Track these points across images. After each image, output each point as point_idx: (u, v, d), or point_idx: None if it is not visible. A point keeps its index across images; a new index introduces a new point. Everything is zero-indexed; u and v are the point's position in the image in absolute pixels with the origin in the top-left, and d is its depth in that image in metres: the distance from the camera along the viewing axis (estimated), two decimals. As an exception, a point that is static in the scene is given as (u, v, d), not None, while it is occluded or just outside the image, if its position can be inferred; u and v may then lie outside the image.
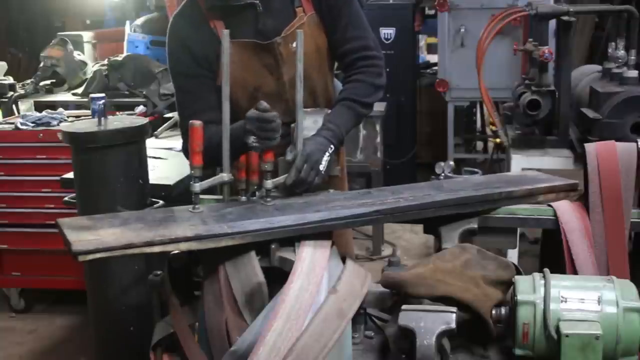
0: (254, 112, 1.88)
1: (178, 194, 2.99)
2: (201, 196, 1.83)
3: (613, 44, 3.72)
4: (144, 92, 4.69)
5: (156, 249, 1.56)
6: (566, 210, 1.95)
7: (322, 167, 1.97)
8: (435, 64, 6.32)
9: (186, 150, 2.09)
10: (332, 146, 2.03)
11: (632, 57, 3.53)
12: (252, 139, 1.86)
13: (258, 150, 1.87)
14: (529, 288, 1.53)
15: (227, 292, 1.62)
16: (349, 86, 2.24)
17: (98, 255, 1.51)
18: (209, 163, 1.93)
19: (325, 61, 2.30)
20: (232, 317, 1.60)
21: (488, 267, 1.65)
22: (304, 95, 2.15)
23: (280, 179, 1.89)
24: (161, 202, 2.56)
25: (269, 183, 1.83)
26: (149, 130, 2.75)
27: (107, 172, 2.51)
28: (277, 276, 1.61)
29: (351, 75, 2.25)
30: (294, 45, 2.13)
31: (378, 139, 4.75)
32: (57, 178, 3.21)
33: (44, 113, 4.22)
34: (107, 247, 1.52)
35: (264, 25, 2.16)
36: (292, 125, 1.99)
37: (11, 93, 4.92)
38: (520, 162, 3.62)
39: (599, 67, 3.99)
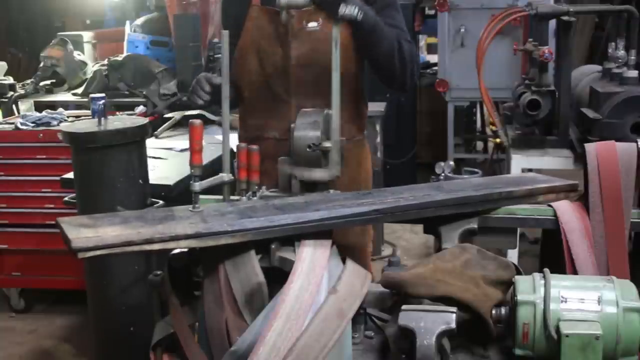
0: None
1: (178, 194, 3.00)
2: (201, 196, 1.83)
3: (613, 44, 3.71)
4: (144, 92, 4.69)
5: (156, 246, 1.56)
6: (566, 210, 1.95)
7: (355, 12, 2.01)
8: (435, 64, 6.32)
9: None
10: (362, 13, 2.05)
11: (632, 57, 3.53)
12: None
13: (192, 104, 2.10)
14: (529, 288, 1.53)
15: (227, 292, 1.62)
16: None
17: (98, 253, 1.51)
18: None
19: (344, 55, 2.29)
20: (232, 317, 1.60)
21: (488, 267, 1.65)
22: (314, 81, 2.25)
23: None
24: (161, 202, 2.56)
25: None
26: (149, 130, 2.76)
27: (107, 172, 2.51)
28: (277, 276, 1.61)
29: None
30: (309, 25, 2.21)
31: (378, 139, 4.75)
32: (57, 178, 3.21)
33: (44, 113, 4.22)
34: (107, 244, 1.52)
35: None
36: (292, 125, 2.00)
37: (11, 93, 4.92)
38: (520, 162, 3.62)
39: (599, 67, 3.99)
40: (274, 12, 2.26)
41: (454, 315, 1.50)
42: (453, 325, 1.49)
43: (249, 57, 2.32)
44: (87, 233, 1.56)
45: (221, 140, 1.93)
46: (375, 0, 2.25)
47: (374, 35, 2.17)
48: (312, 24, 2.23)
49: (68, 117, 4.24)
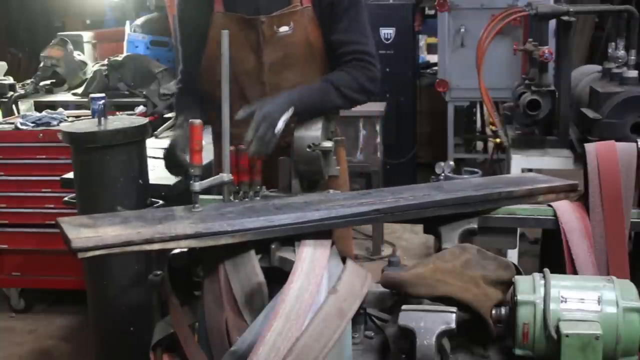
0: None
1: (178, 194, 3.00)
2: (201, 196, 1.83)
3: (613, 44, 3.71)
4: (144, 92, 4.69)
5: (156, 246, 1.56)
6: (566, 210, 1.95)
7: (278, 129, 1.96)
8: (435, 64, 6.32)
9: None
10: (292, 107, 2.01)
11: (632, 57, 3.53)
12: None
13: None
14: (529, 288, 1.53)
15: (227, 292, 1.62)
16: (335, 72, 2.21)
17: (97, 253, 1.51)
18: None
19: (317, 58, 2.27)
20: (232, 317, 1.60)
21: (488, 267, 1.65)
22: (289, 86, 2.17)
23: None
24: (161, 202, 2.56)
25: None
26: (149, 130, 2.75)
27: (107, 172, 2.51)
28: (277, 276, 1.61)
29: (343, 67, 2.21)
30: (280, 30, 2.15)
31: (378, 139, 4.75)
32: (57, 178, 3.21)
33: (44, 113, 4.22)
34: (107, 244, 1.52)
35: (261, 4, 2.17)
36: (292, 125, 1.99)
37: (11, 93, 4.92)
38: (520, 162, 3.62)
39: (599, 67, 3.98)
40: (241, 18, 2.18)
41: (454, 315, 1.50)
42: (453, 325, 1.49)
43: (218, 67, 2.13)
44: (87, 233, 1.56)
45: (221, 140, 1.92)
46: (339, 3, 2.19)
47: (315, 111, 2.11)
48: (284, 28, 2.17)
49: (68, 117, 4.24)
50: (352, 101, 2.20)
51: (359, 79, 2.19)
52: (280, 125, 1.96)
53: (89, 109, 4.04)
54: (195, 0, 2.27)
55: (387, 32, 5.92)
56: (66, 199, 2.83)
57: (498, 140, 5.37)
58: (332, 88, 2.14)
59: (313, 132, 2.02)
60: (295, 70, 2.23)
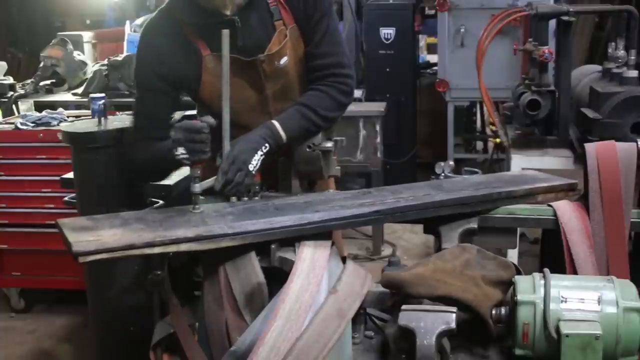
0: (183, 122, 1.89)
1: (178, 194, 2.99)
2: (201, 197, 1.84)
3: (613, 44, 3.72)
4: (143, 92, 4.68)
5: (157, 250, 1.57)
6: (566, 210, 1.95)
7: (252, 167, 1.91)
8: (435, 64, 6.33)
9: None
10: (266, 145, 1.96)
11: (632, 57, 3.53)
12: (180, 151, 1.84)
13: (187, 163, 1.84)
14: (529, 288, 1.53)
15: (227, 292, 1.62)
16: (310, 94, 2.15)
17: (98, 257, 1.51)
18: (151, 177, 2.34)
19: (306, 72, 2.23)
20: (232, 317, 1.60)
21: (488, 267, 1.65)
22: (287, 105, 2.13)
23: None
24: (161, 202, 2.56)
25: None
26: (149, 130, 2.75)
27: (107, 172, 2.51)
28: (277, 276, 1.61)
29: (317, 85, 2.16)
30: (281, 62, 2.11)
31: (378, 139, 4.75)
32: (57, 178, 3.20)
33: (44, 113, 4.21)
34: (108, 248, 1.52)
35: (244, 41, 2.08)
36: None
37: (11, 93, 4.91)
38: (520, 162, 3.62)
39: (599, 67, 3.99)
40: (237, 60, 2.05)
41: (454, 315, 1.50)
42: (453, 325, 1.49)
43: (216, 107, 2.04)
44: (87, 236, 1.56)
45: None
46: (312, 15, 2.13)
47: (299, 137, 2.08)
48: (284, 60, 2.12)
49: (68, 117, 4.23)
50: (330, 119, 2.15)
51: (332, 94, 2.15)
52: (254, 164, 1.92)
53: (89, 109, 4.03)
54: (179, 50, 2.11)
55: (387, 32, 5.91)
56: (66, 199, 2.83)
57: (498, 140, 5.37)
58: (311, 112, 2.09)
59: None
60: (295, 90, 2.20)
